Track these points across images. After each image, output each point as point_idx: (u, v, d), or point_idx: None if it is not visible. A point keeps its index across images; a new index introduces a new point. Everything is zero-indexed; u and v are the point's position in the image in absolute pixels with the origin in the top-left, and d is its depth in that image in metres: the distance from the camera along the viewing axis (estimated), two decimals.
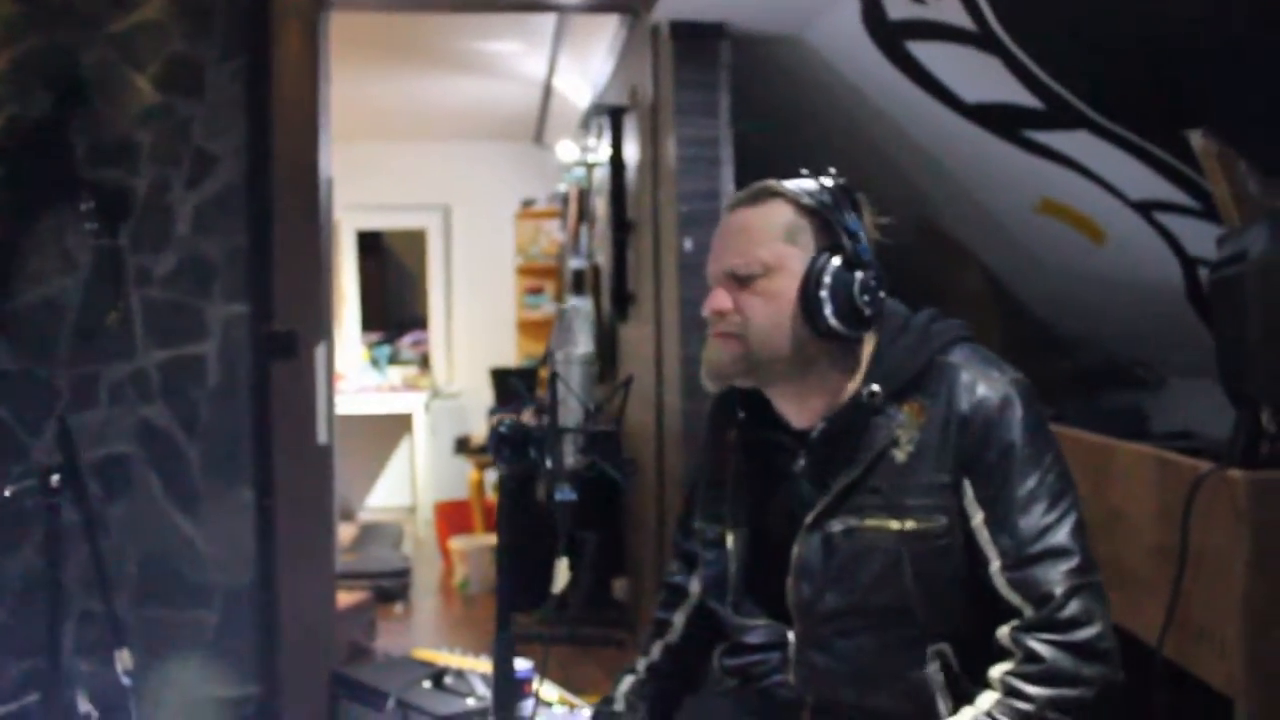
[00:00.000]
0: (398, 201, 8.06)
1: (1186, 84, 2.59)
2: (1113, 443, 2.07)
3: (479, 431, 6.99)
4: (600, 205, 5.68)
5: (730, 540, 1.69)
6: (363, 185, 7.47)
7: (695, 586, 1.84)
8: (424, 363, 8.33)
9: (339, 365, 7.79)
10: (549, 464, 1.43)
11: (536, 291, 8.20)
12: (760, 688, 1.67)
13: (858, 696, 1.58)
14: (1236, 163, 2.61)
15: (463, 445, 6.76)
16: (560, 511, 1.44)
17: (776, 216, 1.59)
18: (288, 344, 3.38)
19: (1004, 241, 4.02)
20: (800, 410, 1.64)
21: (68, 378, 3.29)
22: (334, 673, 2.91)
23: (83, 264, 3.28)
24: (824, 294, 1.53)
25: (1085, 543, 1.48)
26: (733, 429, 1.72)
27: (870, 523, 1.55)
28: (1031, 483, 1.49)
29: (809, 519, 1.59)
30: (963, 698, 1.50)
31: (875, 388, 1.57)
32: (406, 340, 8.40)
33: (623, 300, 4.83)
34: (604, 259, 5.58)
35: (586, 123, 5.90)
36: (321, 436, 3.48)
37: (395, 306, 8.97)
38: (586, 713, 2.47)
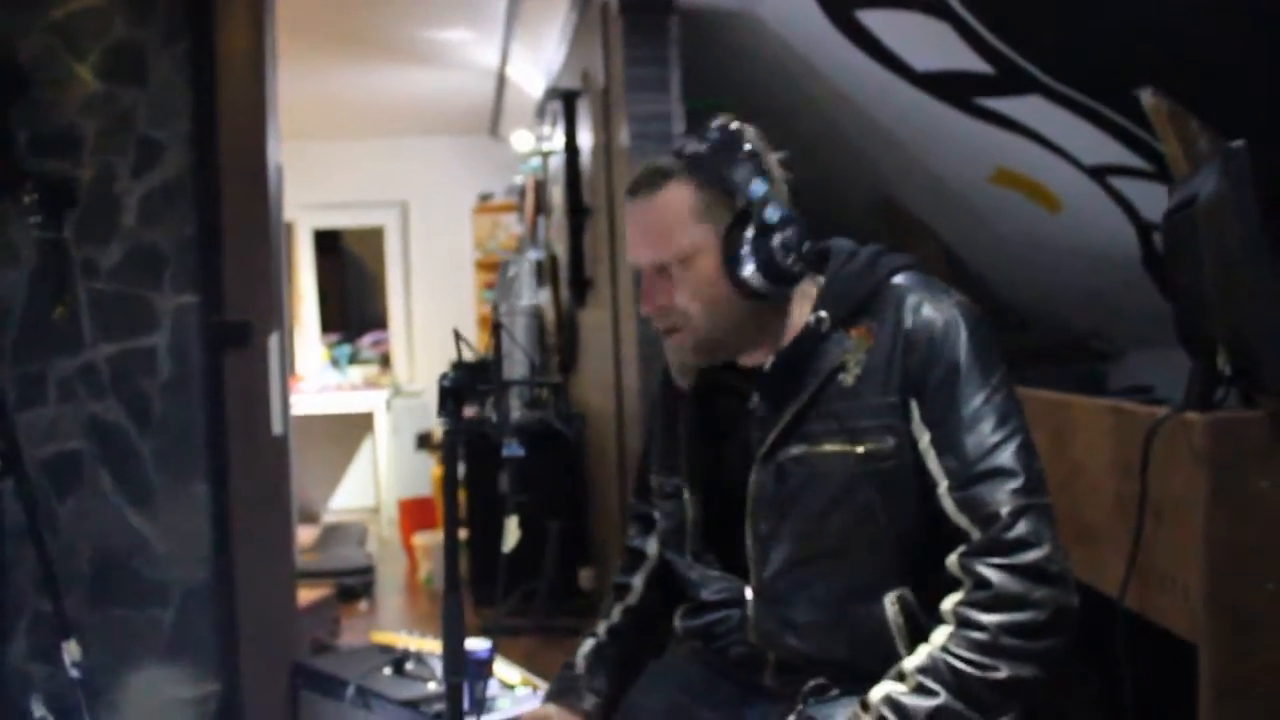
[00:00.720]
0: (355, 199, 8.01)
1: (1136, 43, 2.59)
2: (1070, 398, 2.06)
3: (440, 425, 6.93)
4: (556, 194, 5.65)
5: (687, 491, 1.69)
6: (319, 184, 7.41)
7: (653, 549, 1.84)
8: (384, 362, 8.28)
9: (299, 366, 7.72)
10: (494, 418, 1.39)
11: (495, 286, 8.16)
12: (720, 646, 1.65)
13: (818, 649, 1.56)
14: (1188, 120, 2.60)
15: (424, 441, 6.71)
16: (509, 467, 1.40)
17: (678, 199, 1.57)
18: (240, 334, 3.32)
19: (960, 214, 4.02)
20: (754, 353, 1.64)
21: (13, 375, 3.22)
22: (294, 663, 2.86)
23: (26, 257, 3.21)
24: (748, 267, 1.54)
25: (1033, 463, 1.48)
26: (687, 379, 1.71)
27: (823, 448, 1.55)
28: (977, 402, 1.49)
29: (762, 450, 1.58)
30: (922, 641, 1.48)
31: (823, 314, 1.57)
32: (367, 340, 8.34)
33: (580, 287, 4.80)
34: (561, 248, 5.55)
35: (541, 110, 5.87)
36: (277, 427, 3.42)
37: (355, 307, 8.90)
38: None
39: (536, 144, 6.01)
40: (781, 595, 1.58)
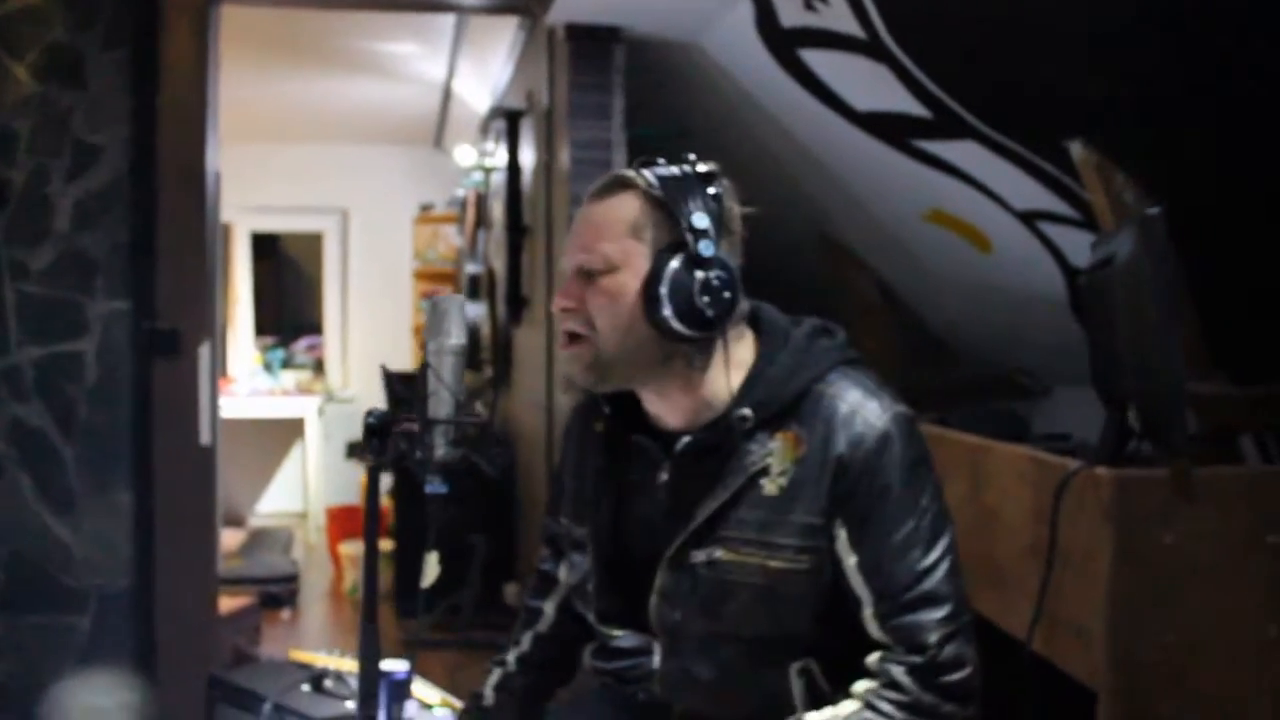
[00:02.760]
0: (294, 204, 7.94)
1: (1068, 96, 2.66)
2: (989, 443, 2.11)
3: None
4: (497, 209, 5.66)
5: (590, 554, 1.65)
6: (259, 187, 7.35)
7: (564, 574, 1.79)
8: (318, 367, 8.20)
9: (231, 369, 7.64)
10: (418, 455, 1.40)
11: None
12: (630, 691, 1.65)
13: (721, 708, 1.57)
14: (1114, 173, 2.69)
15: (355, 450, 6.66)
16: (431, 504, 1.41)
17: (624, 210, 1.52)
18: (170, 342, 3.30)
19: (895, 250, 4.09)
20: (667, 410, 1.58)
21: None
22: (210, 676, 2.83)
23: None
24: (663, 293, 1.47)
25: (959, 584, 1.47)
26: (599, 423, 1.67)
27: (735, 557, 1.51)
28: (908, 527, 1.46)
29: (671, 549, 1.55)
30: (823, 704, 1.50)
31: (747, 412, 1.52)
32: (301, 344, 8.26)
33: (517, 304, 4.81)
34: (499, 263, 5.55)
35: (485, 127, 5.87)
36: (204, 437, 3.40)
37: (290, 311, 8.81)
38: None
39: (479, 159, 6.01)
40: (689, 658, 1.57)
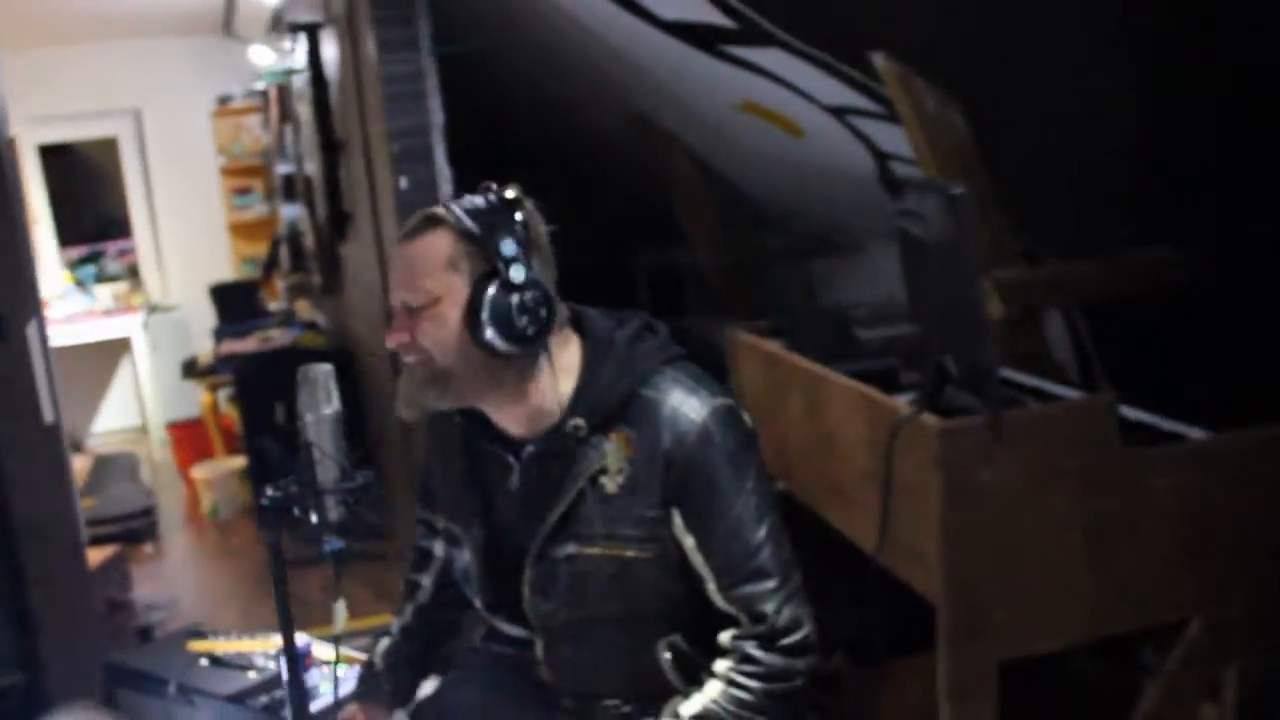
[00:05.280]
0: (82, 109, 7.50)
1: (867, 5, 2.78)
2: (826, 373, 2.28)
3: (205, 350, 6.78)
4: (304, 111, 5.50)
5: (466, 544, 1.79)
6: (41, 95, 6.92)
7: (440, 550, 1.95)
8: (133, 274, 7.93)
9: (41, 293, 7.32)
10: (314, 521, 1.49)
11: (244, 191, 7.93)
12: (522, 671, 1.81)
13: (603, 686, 1.75)
14: (914, 81, 2.84)
15: (191, 368, 6.55)
16: (332, 560, 1.51)
17: (438, 246, 1.62)
18: None
19: (710, 133, 4.19)
20: (508, 421, 1.72)
21: None
22: (106, 664, 2.88)
23: None
24: (484, 318, 1.59)
25: (786, 555, 1.66)
26: (456, 430, 1.80)
27: (590, 550, 1.67)
28: (735, 509, 1.63)
29: (533, 549, 1.70)
30: (694, 674, 1.70)
31: (579, 422, 1.66)
32: (111, 251, 7.94)
33: (339, 220, 4.75)
34: (313, 169, 5.43)
35: (278, 23, 5.64)
36: (48, 415, 3.34)
37: (91, 215, 8.39)
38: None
39: (277, 58, 5.80)
40: (566, 646, 1.74)
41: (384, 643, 1.99)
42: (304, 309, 6.60)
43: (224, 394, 6.33)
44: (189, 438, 6.40)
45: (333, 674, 1.94)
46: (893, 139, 3.20)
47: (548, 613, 1.72)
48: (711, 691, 1.66)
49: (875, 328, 2.87)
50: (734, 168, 4.45)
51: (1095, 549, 1.89)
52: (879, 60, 2.78)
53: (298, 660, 1.68)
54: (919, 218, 1.93)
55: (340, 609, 1.57)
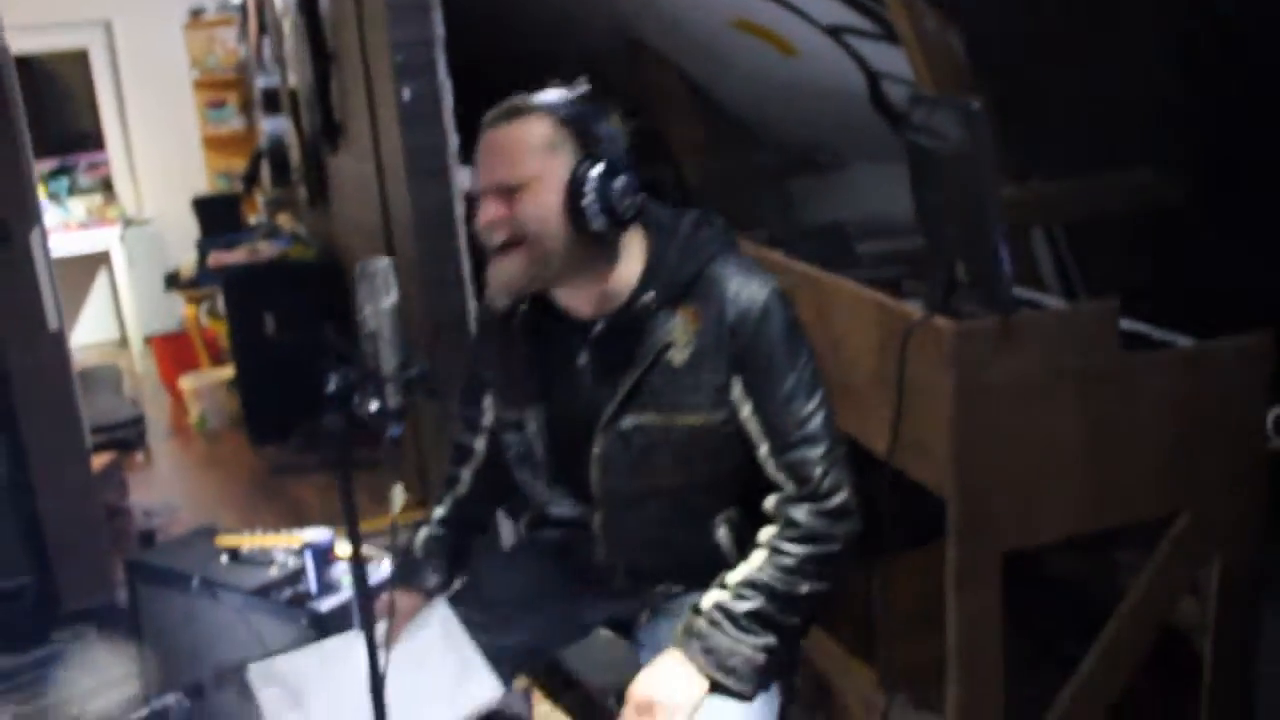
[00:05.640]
0: (48, 20, 7.36)
1: None
2: (835, 280, 2.37)
3: (187, 262, 6.77)
4: (287, 24, 5.47)
5: (531, 425, 1.88)
6: (7, 5, 6.77)
7: (480, 445, 2.04)
8: (107, 188, 7.86)
9: None
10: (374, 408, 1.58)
11: (219, 105, 7.86)
12: (573, 555, 1.93)
13: (661, 561, 1.87)
14: (916, 2, 2.91)
15: (173, 281, 6.55)
16: (389, 444, 1.60)
17: (537, 130, 1.72)
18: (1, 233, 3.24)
19: (701, 53, 4.24)
20: (581, 301, 1.81)
21: None
22: (127, 561, 2.96)
23: None
24: (587, 199, 1.70)
25: (833, 425, 1.78)
26: (516, 317, 1.87)
27: (659, 419, 1.77)
28: (790, 380, 1.75)
29: (603, 419, 1.80)
30: (747, 550, 1.80)
31: (651, 295, 1.77)
32: (82, 164, 7.86)
33: (331, 132, 4.76)
34: (298, 81, 5.41)
35: None
36: (52, 323, 3.39)
37: (57, 128, 8.25)
38: (386, 563, 2.67)
39: None
40: (626, 520, 1.84)
41: (422, 532, 2.06)
42: (286, 222, 6.60)
43: (204, 307, 6.35)
44: (171, 350, 6.42)
45: (392, 555, 2.00)
46: (888, 59, 3.27)
47: (613, 486, 1.82)
48: (756, 560, 1.76)
49: (864, 242, 2.97)
50: (723, 87, 4.49)
51: (1093, 447, 2.00)
52: None
53: (361, 553, 1.73)
54: (931, 132, 2.00)
55: (398, 491, 1.66)
